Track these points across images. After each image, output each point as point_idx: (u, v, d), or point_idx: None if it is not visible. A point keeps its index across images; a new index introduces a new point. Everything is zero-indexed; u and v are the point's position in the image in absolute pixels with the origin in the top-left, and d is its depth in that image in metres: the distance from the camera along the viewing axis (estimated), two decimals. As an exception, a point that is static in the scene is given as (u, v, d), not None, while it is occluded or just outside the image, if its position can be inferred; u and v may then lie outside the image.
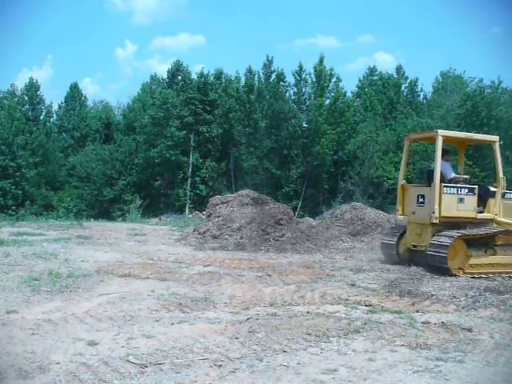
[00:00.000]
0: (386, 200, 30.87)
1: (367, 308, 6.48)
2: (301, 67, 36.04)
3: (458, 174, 10.47)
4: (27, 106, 45.23)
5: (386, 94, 40.02)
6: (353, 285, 7.98)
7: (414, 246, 9.95)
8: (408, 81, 42.96)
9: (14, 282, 7.29)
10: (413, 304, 6.77)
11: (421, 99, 42.89)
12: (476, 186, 9.83)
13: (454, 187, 9.44)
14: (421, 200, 9.74)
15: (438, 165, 9.41)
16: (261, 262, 10.18)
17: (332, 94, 35.84)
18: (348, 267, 9.72)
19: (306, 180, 33.69)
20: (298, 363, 4.42)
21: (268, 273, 8.80)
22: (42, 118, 46.00)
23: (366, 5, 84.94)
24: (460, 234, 9.11)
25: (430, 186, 9.62)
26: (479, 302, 6.98)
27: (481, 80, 36.88)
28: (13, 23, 48.28)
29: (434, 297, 7.23)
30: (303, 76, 36.16)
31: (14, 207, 32.91)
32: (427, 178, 10.23)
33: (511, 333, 5.51)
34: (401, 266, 9.99)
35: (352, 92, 41.31)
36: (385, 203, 29.18)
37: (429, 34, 79.64)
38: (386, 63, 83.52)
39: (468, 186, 9.84)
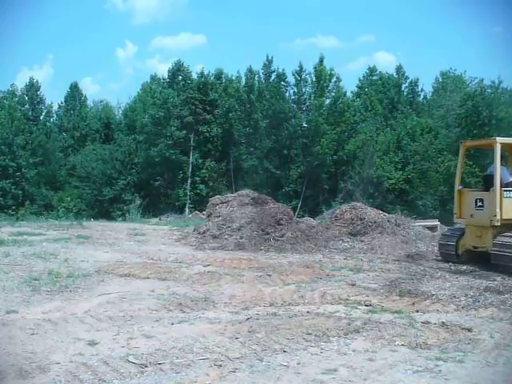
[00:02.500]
0: (386, 200, 30.86)
1: (367, 308, 6.48)
2: (301, 67, 36.07)
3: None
4: (27, 106, 45.17)
5: (386, 94, 39.97)
6: (353, 285, 7.99)
7: (475, 247, 10.27)
8: (408, 81, 42.94)
9: (14, 282, 7.30)
10: (413, 304, 6.77)
11: (421, 99, 42.85)
12: None
13: None
14: (479, 204, 10.12)
15: (498, 170, 9.74)
16: (261, 261, 10.18)
17: (332, 93, 35.84)
18: (348, 267, 9.73)
19: (306, 180, 33.68)
20: (298, 363, 4.42)
21: (268, 273, 8.81)
22: (42, 117, 45.95)
23: (367, 5, 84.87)
24: None
25: (487, 190, 9.98)
26: (479, 301, 6.99)
27: (481, 80, 36.84)
28: (13, 23, 48.18)
29: (434, 296, 7.24)
30: (303, 76, 36.17)
31: (13, 207, 32.84)
32: (484, 182, 10.78)
33: (511, 333, 5.51)
34: (401, 266, 10.01)
35: (352, 92, 41.33)
36: (385, 203, 29.18)
37: (429, 33, 79.57)
38: (386, 63, 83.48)
39: None
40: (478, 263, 10.03)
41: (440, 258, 11.04)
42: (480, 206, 10.11)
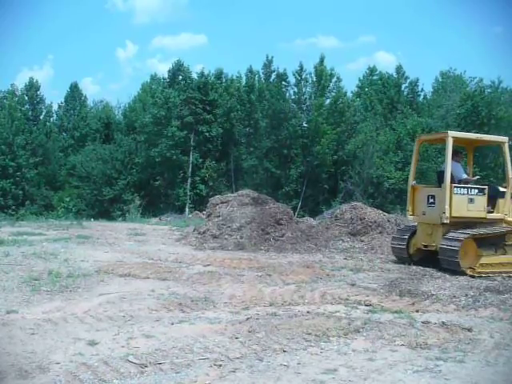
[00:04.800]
0: (386, 200, 30.87)
1: (367, 308, 6.48)
2: (301, 67, 36.09)
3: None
4: (27, 106, 45.22)
5: (386, 94, 39.99)
6: (353, 284, 7.98)
7: (425, 246, 10.03)
8: (408, 81, 42.96)
9: (14, 282, 7.29)
10: (413, 304, 6.77)
11: (421, 99, 42.85)
12: (486, 187, 9.89)
13: (464, 188, 9.52)
14: (431, 201, 9.81)
15: (449, 165, 9.48)
16: (261, 261, 10.17)
17: (332, 93, 35.86)
18: (348, 267, 9.72)
19: (306, 180, 33.68)
20: (298, 363, 4.42)
21: (268, 272, 8.80)
22: (42, 117, 45.99)
23: (367, 5, 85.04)
24: (470, 234, 9.19)
25: (440, 186, 9.69)
26: (479, 301, 6.98)
27: (481, 80, 36.87)
28: (13, 23, 48.25)
29: (434, 296, 7.23)
30: (304, 76, 36.17)
31: (14, 207, 32.89)
32: (437, 178, 10.33)
33: (511, 332, 5.51)
34: (401, 266, 10.00)
35: (352, 92, 41.36)
36: (385, 203, 29.18)
37: (429, 33, 79.74)
38: (386, 63, 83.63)
39: (478, 186, 9.91)
40: (428, 263, 9.77)
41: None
42: (432, 203, 9.74)
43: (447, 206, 9.28)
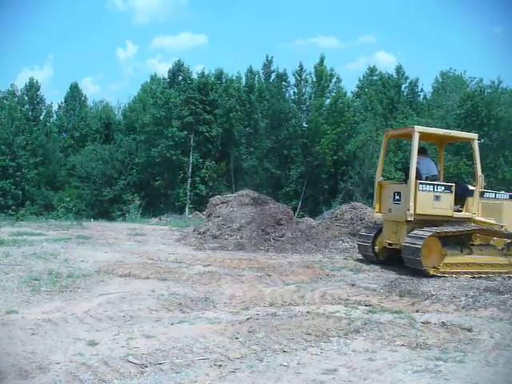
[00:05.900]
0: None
1: (367, 308, 6.48)
2: (301, 67, 36.11)
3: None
4: (27, 106, 45.22)
5: (386, 94, 39.98)
6: (353, 285, 7.98)
7: (390, 244, 9.81)
8: (408, 81, 42.96)
9: (13, 282, 7.28)
10: (413, 304, 6.77)
11: (421, 99, 42.85)
12: (453, 184, 9.63)
13: (430, 184, 9.25)
14: (397, 197, 9.57)
15: (414, 161, 9.25)
16: (261, 261, 10.17)
17: (332, 94, 35.87)
18: (348, 267, 9.72)
19: (306, 180, 33.68)
20: (298, 363, 4.42)
21: (268, 273, 8.80)
22: (42, 118, 46.00)
23: (367, 5, 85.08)
24: (433, 232, 8.93)
25: (406, 183, 9.44)
26: (479, 301, 6.98)
27: (481, 80, 36.83)
28: (13, 23, 48.27)
29: (434, 297, 7.24)
30: (304, 76, 36.20)
31: (14, 207, 32.87)
32: (404, 175, 10.05)
33: (511, 333, 5.51)
34: (401, 266, 9.99)
35: (352, 92, 41.37)
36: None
37: (429, 33, 79.82)
38: (386, 63, 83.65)
39: (445, 183, 9.65)
40: (393, 261, 9.64)
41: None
42: (397, 200, 9.51)
43: (412, 203, 9.03)
